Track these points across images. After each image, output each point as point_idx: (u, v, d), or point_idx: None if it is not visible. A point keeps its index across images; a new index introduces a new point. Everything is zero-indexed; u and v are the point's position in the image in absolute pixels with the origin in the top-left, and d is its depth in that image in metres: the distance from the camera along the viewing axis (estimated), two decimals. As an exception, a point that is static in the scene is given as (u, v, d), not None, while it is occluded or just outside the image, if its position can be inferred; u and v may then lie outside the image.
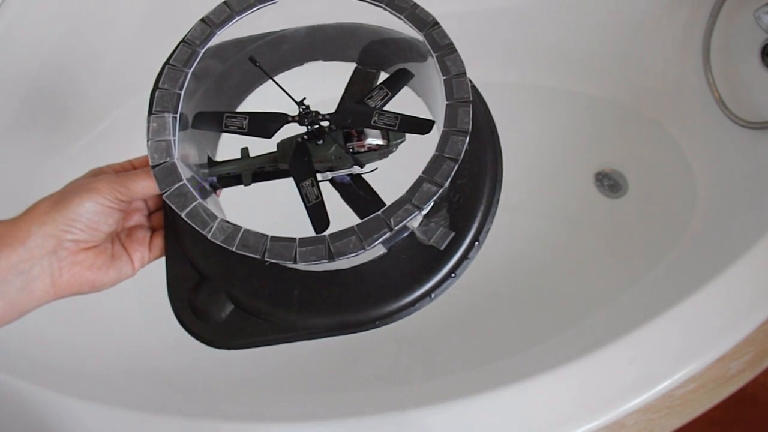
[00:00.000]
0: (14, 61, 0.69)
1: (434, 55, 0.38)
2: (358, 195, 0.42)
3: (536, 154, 1.00)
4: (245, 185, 0.44)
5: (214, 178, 0.44)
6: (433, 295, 0.42)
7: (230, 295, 0.42)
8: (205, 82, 0.43)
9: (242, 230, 0.35)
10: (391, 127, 0.38)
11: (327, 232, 0.35)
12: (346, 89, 0.45)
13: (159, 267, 0.44)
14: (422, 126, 0.38)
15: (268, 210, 0.71)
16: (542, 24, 0.96)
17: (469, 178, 0.43)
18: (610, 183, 0.97)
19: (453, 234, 0.40)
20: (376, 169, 0.43)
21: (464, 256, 0.42)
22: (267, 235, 0.34)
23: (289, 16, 0.44)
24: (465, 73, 0.38)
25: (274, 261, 0.34)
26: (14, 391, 0.54)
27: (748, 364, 0.55)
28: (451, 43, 0.38)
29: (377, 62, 0.46)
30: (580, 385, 0.52)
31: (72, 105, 0.76)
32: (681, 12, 0.90)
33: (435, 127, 0.39)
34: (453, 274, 0.42)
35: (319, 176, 0.42)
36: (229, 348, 0.42)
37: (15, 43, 0.68)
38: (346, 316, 0.42)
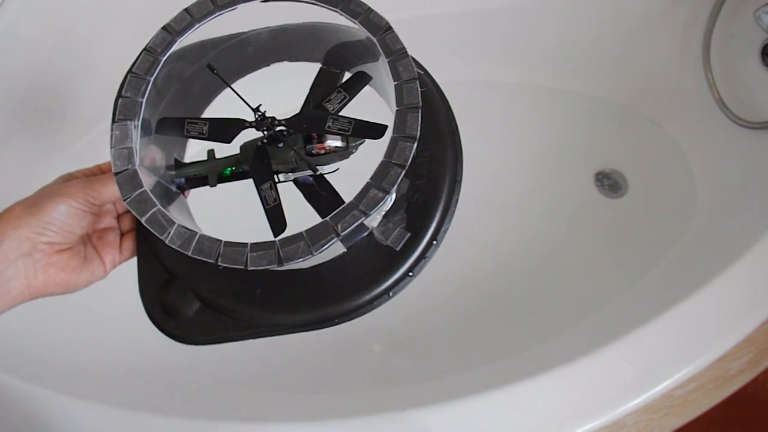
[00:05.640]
0: (12, 63, 0.69)
1: (387, 59, 0.38)
2: (320, 195, 0.43)
3: (536, 154, 1.00)
4: (211, 186, 0.45)
5: (182, 180, 0.45)
6: (391, 293, 0.43)
7: (197, 294, 0.44)
8: (172, 86, 0.44)
9: (198, 235, 0.36)
10: (345, 132, 0.39)
11: (280, 237, 0.36)
12: (310, 90, 0.46)
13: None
14: (375, 131, 0.39)
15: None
16: (541, 24, 0.96)
17: (429, 178, 0.44)
18: (610, 183, 0.97)
19: (408, 235, 0.41)
20: (337, 169, 0.44)
21: (422, 256, 0.43)
22: (221, 241, 0.35)
23: (249, 20, 0.44)
24: (416, 79, 0.38)
25: (226, 265, 0.35)
26: (14, 391, 0.54)
27: (748, 364, 0.55)
28: (403, 48, 0.39)
29: (341, 63, 0.46)
30: (580, 385, 0.52)
31: (70, 107, 0.76)
32: (681, 12, 0.90)
33: None
34: (410, 273, 0.43)
35: (281, 177, 0.43)
36: (196, 344, 0.43)
37: (12, 44, 0.68)
38: (306, 314, 0.43)
